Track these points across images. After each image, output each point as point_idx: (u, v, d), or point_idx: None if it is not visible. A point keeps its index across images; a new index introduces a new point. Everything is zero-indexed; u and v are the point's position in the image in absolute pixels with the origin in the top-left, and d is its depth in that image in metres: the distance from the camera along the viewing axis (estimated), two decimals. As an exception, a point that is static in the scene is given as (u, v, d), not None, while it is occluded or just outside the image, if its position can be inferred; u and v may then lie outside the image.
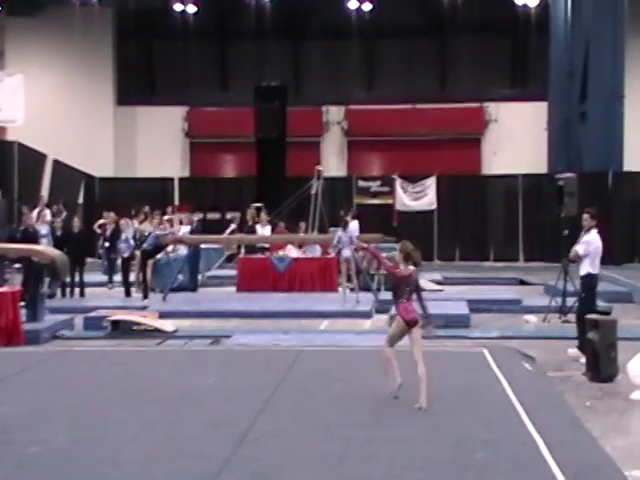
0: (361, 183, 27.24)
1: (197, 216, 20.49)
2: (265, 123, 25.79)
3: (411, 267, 7.79)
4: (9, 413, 7.39)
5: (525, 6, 27.81)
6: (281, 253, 18.62)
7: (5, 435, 6.67)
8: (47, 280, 14.49)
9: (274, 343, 11.45)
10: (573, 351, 10.48)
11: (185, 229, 18.75)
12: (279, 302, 15.57)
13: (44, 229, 16.86)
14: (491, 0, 28.35)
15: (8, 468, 5.85)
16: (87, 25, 28.21)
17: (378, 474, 5.68)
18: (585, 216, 10.65)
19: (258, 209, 20.96)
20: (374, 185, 27.15)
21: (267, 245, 19.31)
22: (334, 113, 29.79)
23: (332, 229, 19.09)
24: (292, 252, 18.66)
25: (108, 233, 18.39)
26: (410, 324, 7.63)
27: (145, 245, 16.73)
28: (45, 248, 14.31)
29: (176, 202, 26.49)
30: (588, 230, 10.49)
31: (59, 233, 16.99)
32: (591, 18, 24.33)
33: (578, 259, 10.42)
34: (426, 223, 26.31)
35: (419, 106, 29.02)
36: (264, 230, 19.55)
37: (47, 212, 18.78)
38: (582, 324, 10.28)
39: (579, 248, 10.42)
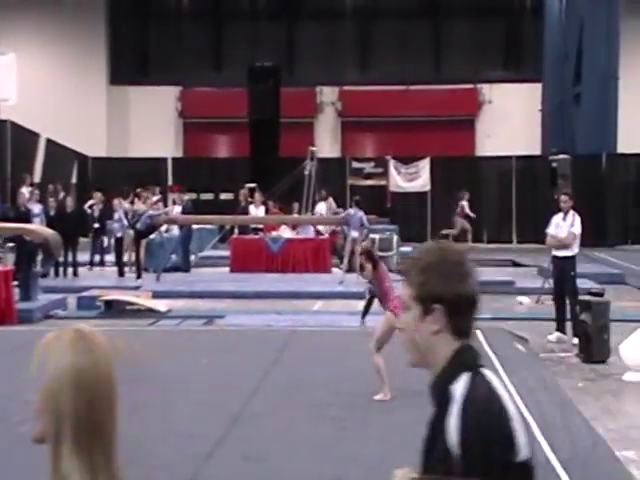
0: (355, 164, 27.18)
1: (188, 196, 20.39)
2: (258, 104, 25.66)
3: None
4: (3, 392, 7.38)
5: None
6: (275, 234, 18.61)
7: (0, 413, 6.67)
8: (40, 259, 14.46)
9: (267, 324, 11.46)
10: (553, 337, 10.47)
11: (177, 209, 18.71)
12: (272, 283, 15.57)
13: (37, 208, 16.79)
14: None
15: (4, 444, 5.85)
16: (80, 4, 28.01)
17: (371, 455, 5.70)
18: (564, 197, 10.66)
19: (252, 190, 20.91)
20: (368, 166, 27.09)
21: (261, 226, 19.28)
22: (328, 94, 29.69)
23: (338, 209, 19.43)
24: (286, 233, 18.65)
25: (96, 214, 18.17)
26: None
27: (138, 225, 16.69)
28: (38, 227, 14.26)
29: (170, 182, 26.41)
30: (567, 211, 10.50)
31: (52, 212, 16.93)
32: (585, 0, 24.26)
33: (572, 240, 10.42)
34: (420, 204, 26.30)
35: (413, 87, 28.94)
36: (258, 211, 19.51)
37: (25, 190, 18.45)
38: (563, 304, 10.34)
39: (575, 229, 10.41)
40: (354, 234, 15.76)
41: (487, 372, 1.78)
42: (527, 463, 1.71)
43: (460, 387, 1.72)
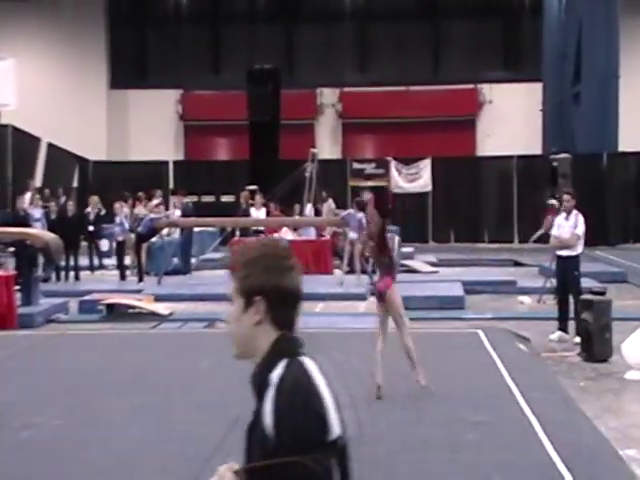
0: (355, 165, 27.18)
1: (188, 199, 20.38)
2: (258, 106, 25.65)
3: None
4: (2, 397, 7.38)
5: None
6: (276, 236, 18.58)
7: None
8: (41, 264, 14.45)
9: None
10: (555, 336, 10.46)
11: (178, 212, 18.70)
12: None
13: (38, 213, 16.80)
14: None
15: (4, 450, 5.85)
16: (80, 8, 28.04)
17: (372, 454, 5.69)
18: (567, 197, 10.63)
19: (252, 192, 20.90)
20: (368, 167, 27.09)
21: (262, 228, 19.27)
22: (328, 96, 29.69)
23: (338, 211, 19.40)
24: (287, 234, 18.63)
25: (91, 217, 18.14)
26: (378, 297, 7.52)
27: (140, 229, 16.69)
28: (39, 232, 14.27)
29: (171, 185, 26.41)
30: (569, 211, 10.48)
31: (53, 217, 16.93)
32: (584, -1, 24.26)
33: (576, 241, 10.38)
34: (421, 205, 26.30)
35: (413, 88, 28.94)
36: (259, 213, 19.50)
37: (28, 195, 18.57)
38: (567, 303, 10.33)
39: (578, 230, 10.39)
40: (352, 235, 15.75)
41: (305, 359, 1.89)
42: (338, 441, 1.82)
43: (276, 373, 1.83)
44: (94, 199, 18.65)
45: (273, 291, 1.89)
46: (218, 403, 7.09)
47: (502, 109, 28.65)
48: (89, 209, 18.70)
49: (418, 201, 26.25)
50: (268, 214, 19.61)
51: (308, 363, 1.88)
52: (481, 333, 10.17)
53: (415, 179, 26.38)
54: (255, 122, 25.83)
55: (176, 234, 18.15)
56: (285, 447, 1.75)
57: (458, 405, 6.92)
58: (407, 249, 19.70)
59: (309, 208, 20.58)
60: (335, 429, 1.80)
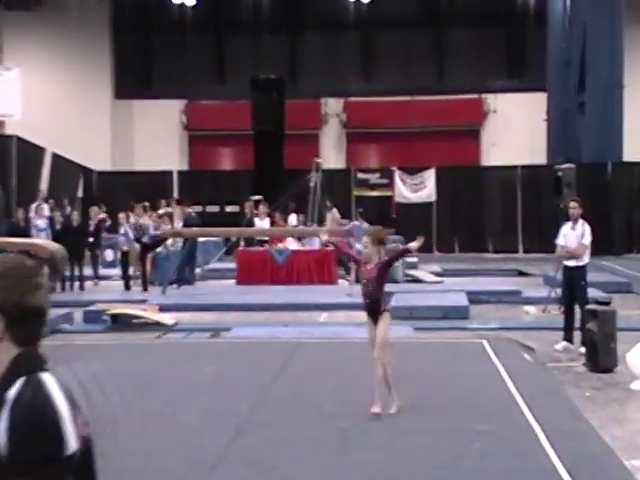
0: (360, 175, 27.22)
1: (190, 209, 20.34)
2: (263, 116, 25.72)
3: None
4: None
5: (524, -4, 27.80)
6: (280, 245, 18.62)
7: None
8: (46, 274, 14.48)
9: (273, 335, 11.46)
10: (560, 346, 10.44)
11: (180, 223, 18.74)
12: (278, 294, 15.57)
13: (42, 223, 16.85)
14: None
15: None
16: (84, 18, 28.17)
17: (375, 463, 5.70)
18: (573, 204, 10.59)
19: (257, 202, 20.94)
20: (373, 177, 27.12)
21: (266, 237, 19.30)
22: (333, 105, 29.76)
23: (343, 221, 19.39)
24: (291, 244, 18.66)
25: (91, 228, 18.13)
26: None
27: (144, 238, 16.73)
28: (44, 242, 14.29)
29: (175, 195, 26.45)
30: (576, 219, 10.45)
31: (58, 227, 16.97)
32: (589, 7, 24.28)
33: (583, 251, 10.35)
34: (425, 215, 26.31)
35: (417, 98, 28.99)
36: (263, 223, 19.53)
37: (45, 206, 18.74)
38: (573, 313, 10.32)
39: (586, 240, 10.36)
40: (358, 246, 15.78)
41: (45, 375, 1.90)
42: (74, 456, 1.85)
43: (12, 391, 1.84)
44: (94, 209, 18.70)
45: (12, 309, 1.91)
46: (222, 411, 7.10)
47: (506, 118, 28.69)
48: (104, 219, 18.76)
49: (422, 211, 26.27)
50: (272, 224, 19.64)
51: (47, 379, 1.89)
52: (486, 343, 10.16)
53: (419, 189, 26.40)
54: (259, 132, 25.89)
55: (180, 244, 18.16)
56: (15, 465, 1.77)
57: (462, 414, 6.91)
58: (411, 259, 19.70)
59: (293, 217, 20.61)
60: (71, 444, 1.84)
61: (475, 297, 14.51)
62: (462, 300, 14.01)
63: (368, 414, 6.74)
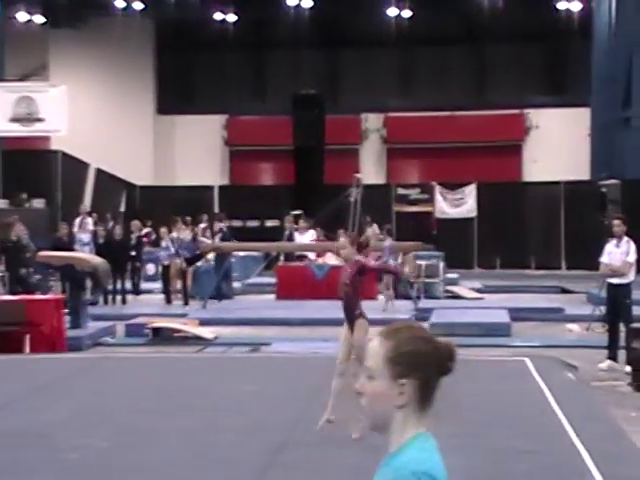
0: (400, 191, 27.15)
1: (224, 224, 20.34)
2: (303, 131, 25.83)
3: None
4: (52, 419, 7.46)
5: (566, 11, 27.57)
6: (320, 261, 18.62)
7: (48, 441, 6.74)
8: (90, 287, 14.65)
9: (313, 351, 11.43)
10: (605, 365, 10.26)
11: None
12: (318, 310, 15.54)
13: (86, 237, 17.06)
14: (528, 6, 28.11)
15: (52, 474, 5.90)
16: (128, 36, 28.57)
17: None
18: (617, 222, 10.44)
19: (297, 217, 20.99)
20: (413, 193, 27.04)
21: (306, 253, 19.31)
22: (373, 121, 29.76)
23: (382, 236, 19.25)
24: (331, 260, 18.64)
25: (133, 242, 18.16)
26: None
27: (185, 253, 16.85)
28: (88, 256, 14.49)
29: (216, 210, 26.63)
30: (620, 237, 10.30)
31: (101, 241, 17.17)
32: (635, 21, 24.02)
33: (628, 269, 10.18)
34: (466, 230, 26.13)
35: (458, 113, 28.87)
36: (303, 237, 19.55)
37: (89, 220, 18.98)
38: (617, 332, 10.14)
39: (630, 257, 10.21)
40: (390, 261, 15.78)
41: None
42: None
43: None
44: (135, 223, 18.86)
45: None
46: (263, 427, 7.08)
47: (549, 134, 28.41)
48: (149, 233, 18.89)
49: (463, 227, 26.09)
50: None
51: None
52: (528, 361, 10.03)
53: (460, 204, 26.25)
54: (300, 147, 25.99)
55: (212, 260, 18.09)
56: None
57: (505, 434, 6.82)
58: (452, 275, 19.58)
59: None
60: None
61: (516, 314, 14.34)
62: (503, 317, 13.86)
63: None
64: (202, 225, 19.98)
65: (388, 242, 16.22)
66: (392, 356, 1.79)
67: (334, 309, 15.31)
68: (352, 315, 6.90)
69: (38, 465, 6.08)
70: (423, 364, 1.80)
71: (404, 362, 1.79)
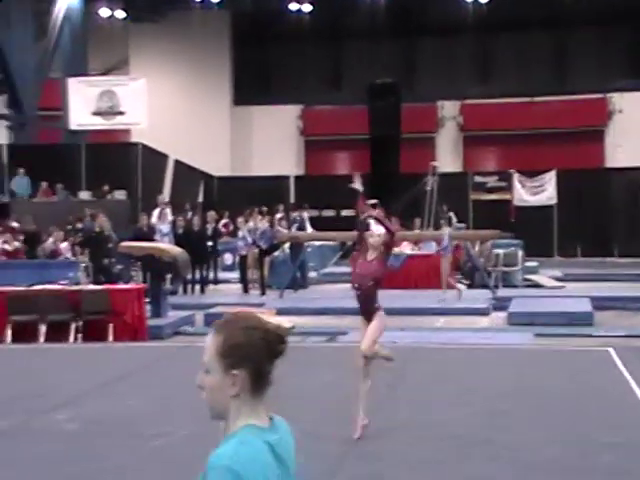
0: (477, 178, 26.79)
1: (297, 213, 20.36)
2: (379, 120, 25.73)
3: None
4: (136, 406, 7.62)
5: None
6: (396, 250, 18.51)
7: (133, 428, 6.88)
8: (169, 277, 14.91)
9: (390, 340, 11.35)
10: None
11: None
12: (394, 299, 15.44)
13: (166, 227, 17.35)
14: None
15: (136, 459, 6.03)
16: (206, 28, 28.92)
17: (499, 475, 5.55)
18: None
19: (373, 206, 20.90)
20: (491, 180, 26.65)
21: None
22: (449, 108, 29.41)
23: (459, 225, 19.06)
24: (407, 249, 18.53)
25: (209, 232, 18.34)
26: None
27: (262, 243, 16.99)
28: (167, 246, 14.74)
29: (292, 200, 26.77)
30: None
31: (180, 231, 17.44)
32: None
33: None
34: (545, 218, 25.62)
35: (537, 99, 28.28)
36: (379, 227, 19.46)
37: (168, 211, 19.29)
38: None
39: None
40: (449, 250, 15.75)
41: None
42: None
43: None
44: (211, 214, 19.06)
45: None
46: (341, 418, 7.08)
47: (633, 118, 27.56)
48: (227, 224, 19.10)
49: (542, 214, 25.58)
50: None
51: None
52: (612, 351, 9.77)
53: (539, 192, 25.75)
54: (376, 136, 25.89)
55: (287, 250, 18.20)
56: None
57: (590, 425, 6.66)
58: (531, 263, 19.24)
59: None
60: None
61: (599, 303, 13.99)
62: (586, 306, 13.54)
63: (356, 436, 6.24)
64: (278, 215, 20.10)
65: (447, 230, 16.05)
66: (222, 350, 1.87)
67: (410, 298, 15.31)
68: (372, 308, 6.59)
69: (122, 451, 6.22)
70: (253, 353, 1.89)
71: (233, 354, 1.87)
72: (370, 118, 26.08)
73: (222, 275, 19.08)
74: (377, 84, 26.23)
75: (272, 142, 29.84)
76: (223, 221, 19.92)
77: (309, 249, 18.39)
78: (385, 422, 6.93)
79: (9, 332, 11.55)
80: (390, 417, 7.11)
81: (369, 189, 26.98)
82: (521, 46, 28.99)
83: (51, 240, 16.93)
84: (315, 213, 22.62)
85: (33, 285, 12.18)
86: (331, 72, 30.70)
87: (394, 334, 11.90)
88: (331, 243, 20.94)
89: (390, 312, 13.96)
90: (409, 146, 26.23)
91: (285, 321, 13.14)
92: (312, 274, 18.82)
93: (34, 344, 11.32)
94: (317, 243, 19.52)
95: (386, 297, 15.50)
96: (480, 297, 15.08)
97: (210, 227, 18.55)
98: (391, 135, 25.76)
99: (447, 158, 28.67)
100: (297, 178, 28.76)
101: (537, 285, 17.36)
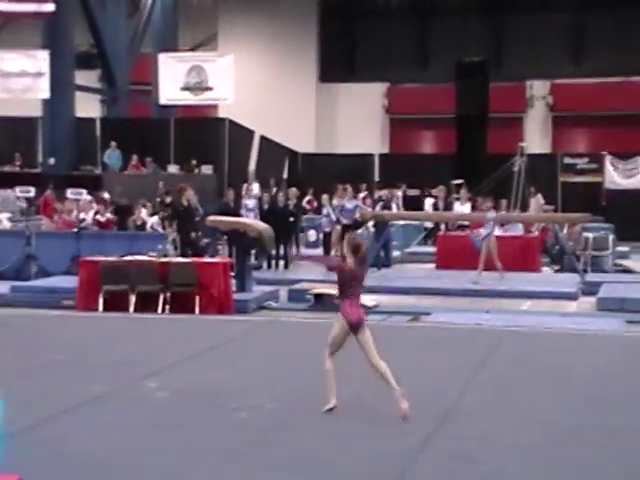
0: (567, 160, 26.17)
1: (384, 192, 20.24)
2: (466, 99, 25.40)
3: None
4: (221, 379, 7.75)
5: None
6: (482, 231, 18.27)
7: (218, 399, 7.00)
8: (254, 252, 15.08)
9: (475, 322, 11.26)
10: None
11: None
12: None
13: (251, 203, 17.52)
14: None
15: (221, 430, 6.14)
16: (294, 5, 28.98)
17: (585, 462, 5.44)
18: None
19: (458, 186, 20.72)
20: (581, 162, 26.00)
21: (467, 223, 19.03)
22: (538, 88, 28.79)
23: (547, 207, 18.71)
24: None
25: (291, 208, 18.32)
26: (353, 326, 6.66)
27: (345, 220, 17.00)
28: (253, 221, 14.89)
29: (376, 178, 26.69)
30: None
31: (266, 207, 17.58)
32: None
33: None
34: (638, 202, 24.83)
35: (632, 79, 27.38)
36: (464, 207, 19.27)
37: (254, 186, 19.48)
38: None
39: None
40: (482, 231, 15.45)
41: None
42: None
43: None
44: (292, 190, 19.10)
45: None
46: (425, 399, 7.04)
47: None
48: (311, 200, 19.15)
49: (636, 198, 24.81)
50: (473, 208, 19.33)
51: None
52: None
53: (633, 175, 25.01)
54: (462, 115, 25.57)
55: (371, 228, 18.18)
56: None
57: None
58: (622, 248, 18.74)
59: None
60: None
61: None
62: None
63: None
64: (362, 193, 20.09)
65: (492, 214, 15.71)
66: None
67: (495, 280, 15.07)
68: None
69: (209, 422, 6.34)
70: None
71: None
72: (457, 97, 25.75)
73: (306, 252, 19.18)
74: (465, 62, 25.86)
75: (357, 119, 29.77)
76: (307, 198, 20.00)
77: (393, 228, 18.31)
78: (473, 404, 6.87)
79: (101, 301, 11.90)
80: (478, 399, 7.05)
81: (454, 169, 26.99)
82: (617, 23, 28.08)
83: (142, 212, 17.33)
84: (399, 192, 22.50)
85: (123, 256, 12.50)
86: (418, 49, 30.38)
87: (479, 316, 11.79)
88: (415, 222, 20.83)
89: (474, 294, 13.91)
90: (496, 126, 25.81)
91: (368, 299, 13.16)
92: (395, 253, 18.76)
93: (124, 313, 11.63)
94: (401, 222, 19.42)
95: (470, 278, 15.45)
96: (568, 281, 14.77)
97: (292, 203, 18.64)
98: (478, 114, 25.39)
99: (535, 139, 28.10)
100: (381, 156, 28.65)
101: (628, 271, 16.90)
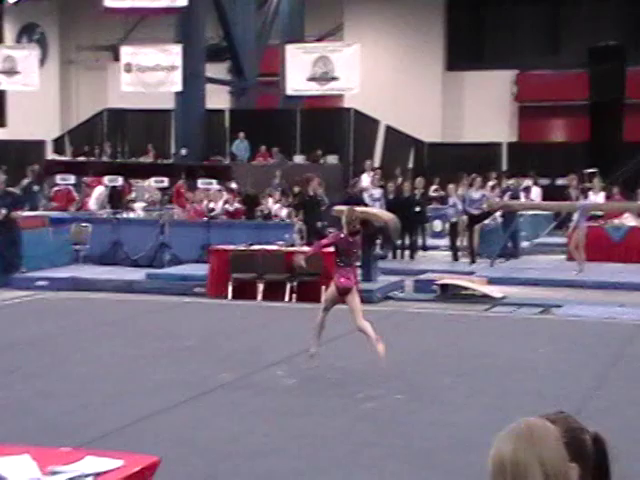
0: None
1: (512, 181, 19.72)
2: (600, 86, 24.45)
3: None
4: (348, 368, 7.79)
5: None
6: (616, 222, 17.59)
7: (344, 389, 7.04)
8: (380, 242, 15.05)
9: (609, 316, 10.85)
10: None
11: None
12: (614, 273, 14.72)
13: (377, 193, 17.48)
14: None
15: (348, 419, 6.17)
16: (421, -8, 28.67)
17: None
18: None
19: (592, 175, 19.99)
20: None
21: (600, 213, 18.34)
22: (680, 71, 27.33)
23: None
24: (629, 221, 17.53)
25: (417, 198, 17.98)
26: (340, 291, 7.58)
27: (472, 210, 16.72)
28: (379, 211, 14.85)
29: (504, 167, 26.11)
30: None
31: (391, 197, 17.51)
32: None
33: None
34: None
35: None
36: (597, 197, 18.56)
37: (363, 177, 19.34)
38: None
39: None
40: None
41: None
42: None
43: None
44: (419, 180, 18.88)
45: None
46: (555, 393, 6.85)
47: None
48: (436, 189, 18.96)
49: None
50: (608, 198, 18.61)
51: None
52: None
53: None
54: (596, 102, 24.65)
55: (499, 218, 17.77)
56: None
57: None
58: None
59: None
60: None
61: None
62: None
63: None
64: (490, 183, 19.68)
65: (582, 201, 14.93)
66: None
67: (632, 273, 14.47)
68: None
69: (335, 411, 6.38)
70: None
71: None
72: (590, 83, 24.83)
73: (431, 242, 19.00)
74: (599, 47, 24.88)
75: (484, 108, 29.17)
76: (433, 187, 19.77)
77: (521, 218, 17.88)
78: (605, 402, 6.62)
79: (230, 289, 12.19)
80: (611, 397, 6.79)
81: (587, 157, 26.03)
82: None
83: (270, 202, 17.61)
84: (528, 181, 21.91)
85: (252, 245, 12.74)
86: (548, 35, 29.45)
87: (613, 310, 11.34)
88: (545, 212, 20.24)
89: (608, 286, 13.40)
90: (633, 113, 24.71)
91: (496, 290, 12.91)
92: (524, 244, 18.32)
93: (252, 301, 11.86)
94: (530, 212, 18.93)
95: (605, 271, 14.92)
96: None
97: (418, 193, 18.44)
98: (614, 101, 24.40)
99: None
100: (510, 145, 27.97)
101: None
